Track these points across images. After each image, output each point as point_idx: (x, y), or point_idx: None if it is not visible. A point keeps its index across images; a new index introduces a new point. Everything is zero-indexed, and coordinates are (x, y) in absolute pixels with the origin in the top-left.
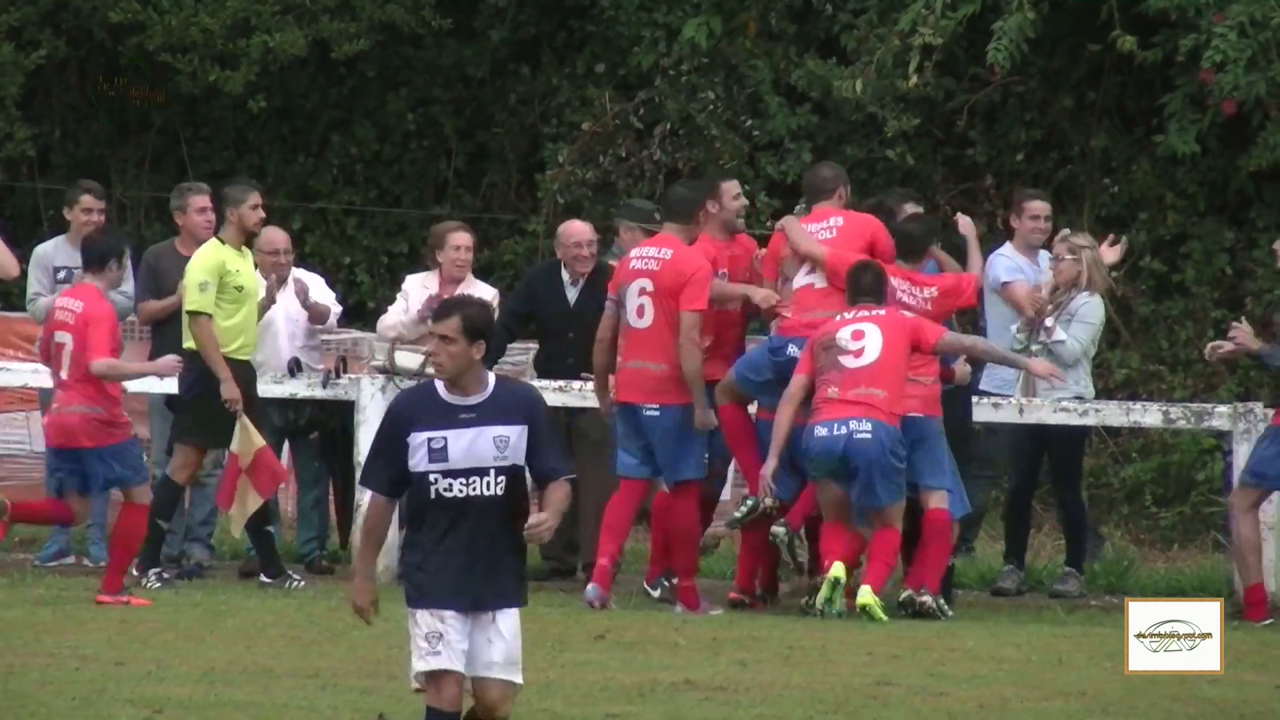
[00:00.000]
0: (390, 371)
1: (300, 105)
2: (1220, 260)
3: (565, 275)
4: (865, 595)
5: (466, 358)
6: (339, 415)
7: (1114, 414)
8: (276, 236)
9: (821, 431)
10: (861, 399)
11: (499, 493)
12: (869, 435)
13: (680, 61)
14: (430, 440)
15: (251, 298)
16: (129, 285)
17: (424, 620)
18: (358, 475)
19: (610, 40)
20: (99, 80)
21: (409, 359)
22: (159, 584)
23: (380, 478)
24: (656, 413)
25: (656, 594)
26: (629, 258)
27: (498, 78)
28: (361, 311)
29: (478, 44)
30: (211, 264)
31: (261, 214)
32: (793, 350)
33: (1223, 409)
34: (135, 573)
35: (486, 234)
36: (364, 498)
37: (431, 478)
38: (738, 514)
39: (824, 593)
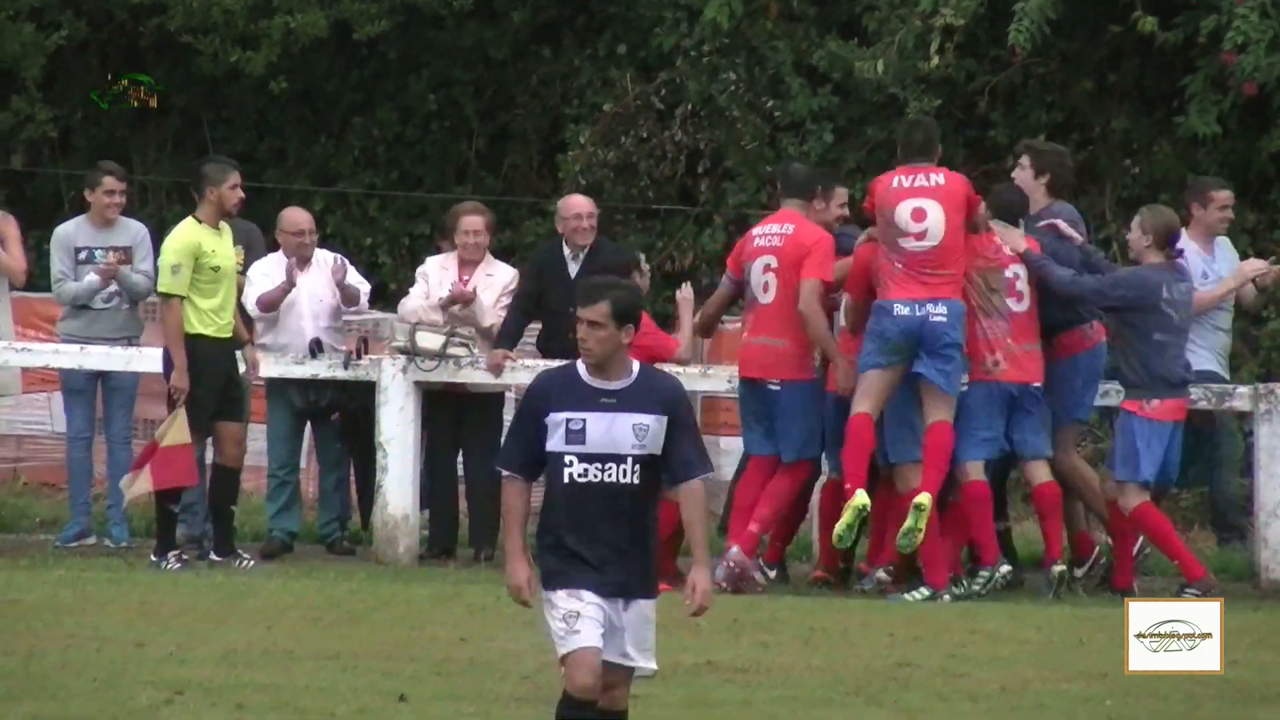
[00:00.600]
0: (411, 353)
1: (321, 87)
2: (1241, 242)
3: (566, 251)
4: (924, 499)
5: (615, 342)
6: (360, 396)
7: None
8: (300, 218)
9: (903, 310)
10: (929, 280)
11: (634, 481)
12: (944, 318)
13: (701, 43)
14: (569, 421)
15: (229, 277)
16: (147, 264)
17: (560, 601)
18: (379, 457)
19: (631, 21)
20: (106, 75)
21: (430, 340)
22: (178, 566)
23: (516, 458)
24: (778, 388)
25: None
26: (752, 234)
27: (519, 59)
28: (383, 293)
29: (499, 25)
30: (185, 246)
31: (240, 194)
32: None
33: (1244, 390)
34: (154, 557)
35: (508, 215)
36: (504, 479)
37: (567, 459)
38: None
39: (847, 519)
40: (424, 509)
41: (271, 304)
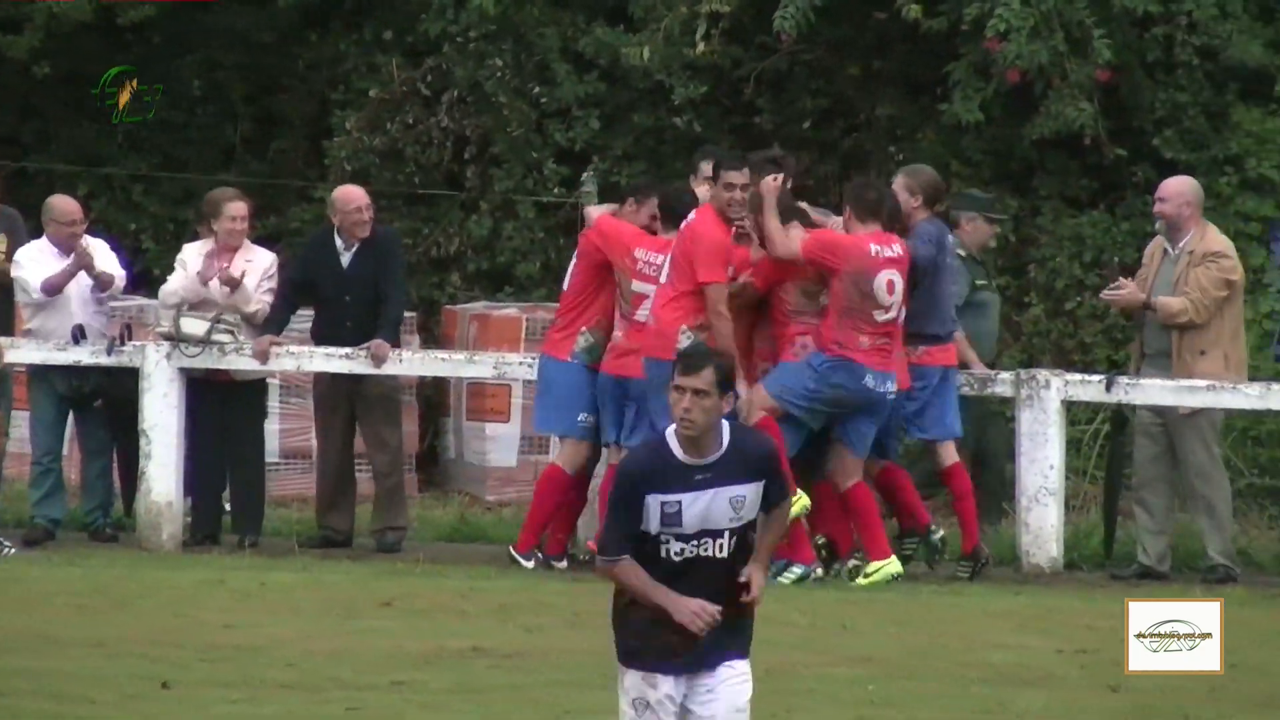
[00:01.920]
0: (175, 338)
1: (87, 70)
2: (1004, 227)
3: (339, 241)
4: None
5: (718, 412)
6: (124, 383)
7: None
8: (71, 206)
9: (869, 382)
10: (886, 349)
11: (727, 555)
12: (894, 394)
13: (469, 28)
14: (664, 504)
15: None
16: None
17: (632, 684)
18: (142, 443)
19: (398, 7)
20: None
21: (194, 325)
22: None
23: (621, 545)
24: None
25: (530, 564)
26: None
27: (286, 43)
28: (148, 278)
29: (266, 9)
30: None
31: None
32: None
33: (1006, 375)
34: None
35: (274, 201)
36: (612, 568)
37: (663, 538)
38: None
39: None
40: (187, 496)
41: (56, 287)
